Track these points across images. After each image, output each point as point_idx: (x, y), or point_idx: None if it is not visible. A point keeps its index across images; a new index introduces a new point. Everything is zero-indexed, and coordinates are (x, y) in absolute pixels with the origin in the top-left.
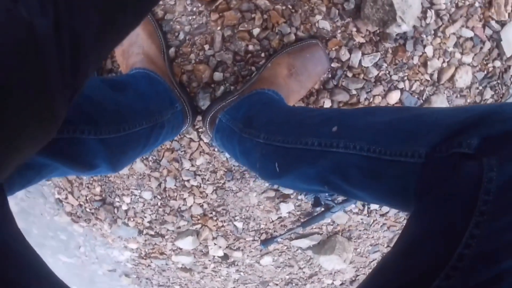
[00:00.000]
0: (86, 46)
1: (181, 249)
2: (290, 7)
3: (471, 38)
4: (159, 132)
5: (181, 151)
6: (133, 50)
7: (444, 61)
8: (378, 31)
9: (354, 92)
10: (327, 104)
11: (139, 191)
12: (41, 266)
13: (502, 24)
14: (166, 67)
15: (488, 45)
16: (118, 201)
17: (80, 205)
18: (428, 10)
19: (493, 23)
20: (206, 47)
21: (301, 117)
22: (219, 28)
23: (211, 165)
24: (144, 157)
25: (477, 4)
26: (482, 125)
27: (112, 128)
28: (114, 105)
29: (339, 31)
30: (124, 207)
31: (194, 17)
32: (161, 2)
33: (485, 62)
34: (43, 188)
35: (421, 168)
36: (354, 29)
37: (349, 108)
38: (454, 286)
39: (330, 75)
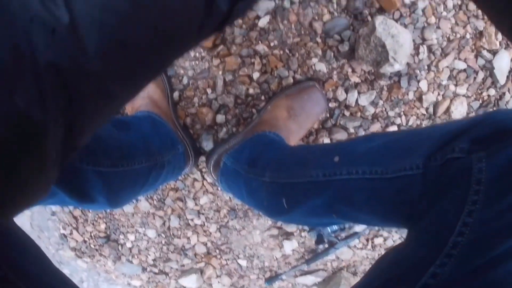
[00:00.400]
0: (84, 125)
1: (185, 287)
2: (288, 52)
3: (464, 70)
4: (159, 172)
5: (185, 191)
6: (139, 94)
7: (439, 94)
8: (372, 71)
9: (352, 130)
10: (326, 142)
11: (144, 229)
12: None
13: (494, 52)
14: (170, 110)
15: (481, 74)
16: (123, 238)
17: (85, 241)
18: (420, 46)
19: (485, 52)
20: (209, 91)
21: (303, 153)
22: (220, 72)
23: (214, 204)
24: (148, 196)
25: (468, 36)
26: (472, 130)
27: (110, 162)
28: (116, 142)
29: (335, 72)
30: (129, 245)
31: (197, 62)
32: None
33: (479, 92)
34: (48, 222)
35: (420, 178)
36: (350, 70)
37: (346, 140)
38: (449, 272)
39: (328, 115)
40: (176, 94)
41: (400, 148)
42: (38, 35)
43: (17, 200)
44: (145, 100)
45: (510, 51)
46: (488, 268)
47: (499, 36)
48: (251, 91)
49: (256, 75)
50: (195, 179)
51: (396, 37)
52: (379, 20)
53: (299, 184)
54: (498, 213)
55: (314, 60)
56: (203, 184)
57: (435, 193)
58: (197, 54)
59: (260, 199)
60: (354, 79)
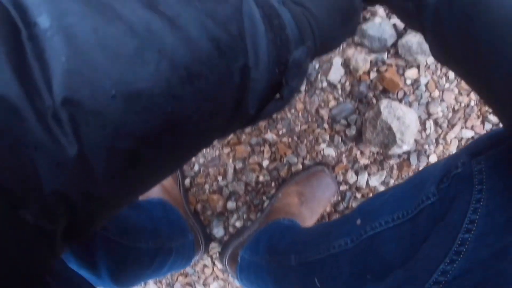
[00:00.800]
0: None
1: None
2: (296, 139)
3: (473, 137)
4: (165, 258)
5: (195, 276)
6: None
7: None
8: (381, 152)
9: None
10: None
11: None
12: None
13: None
14: (181, 197)
15: None
16: None
17: None
18: (427, 121)
19: (490, 116)
20: (219, 178)
21: (323, 227)
22: (231, 160)
23: None
24: (157, 280)
25: (472, 103)
26: (470, 146)
27: (116, 231)
28: (124, 217)
29: (344, 155)
30: None
31: (208, 150)
32: None
33: None
34: None
35: (438, 204)
36: (358, 152)
37: (363, 201)
38: (459, 268)
39: (339, 198)
40: (187, 181)
41: (413, 187)
42: (42, 164)
43: None
44: (157, 187)
45: None
46: (496, 259)
47: None
48: (261, 178)
49: (265, 163)
50: (205, 265)
51: (402, 119)
52: (384, 104)
53: (329, 258)
54: (502, 206)
55: (323, 145)
56: (213, 270)
57: (445, 207)
58: None
59: (290, 285)
60: (363, 161)
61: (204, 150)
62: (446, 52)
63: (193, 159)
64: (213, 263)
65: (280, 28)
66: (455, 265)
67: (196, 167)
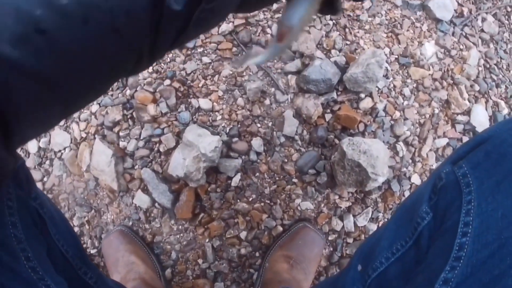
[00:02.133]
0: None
1: None
2: (268, 202)
3: (448, 144)
4: None
5: None
6: (130, 276)
7: None
8: (359, 190)
9: None
10: None
11: None
12: None
13: (467, 112)
14: None
15: (465, 139)
16: None
17: None
18: (396, 144)
19: (459, 117)
20: (200, 261)
21: (329, 281)
22: (207, 240)
23: None
24: None
25: (436, 111)
26: (452, 157)
27: None
28: None
29: (322, 205)
30: None
31: (181, 234)
32: (147, 226)
33: None
34: None
35: (433, 220)
36: (336, 197)
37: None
38: (461, 274)
39: (331, 248)
40: (168, 272)
41: (404, 213)
42: None
43: None
44: (137, 281)
45: (480, 102)
46: (498, 257)
47: (465, 95)
48: (243, 251)
49: (243, 234)
50: None
51: (368, 152)
52: (345, 143)
53: None
54: (494, 202)
55: (297, 200)
56: None
57: (440, 221)
58: (180, 227)
59: None
60: (344, 204)
61: (177, 235)
62: None
63: (168, 247)
64: None
65: None
66: (457, 272)
67: (174, 255)
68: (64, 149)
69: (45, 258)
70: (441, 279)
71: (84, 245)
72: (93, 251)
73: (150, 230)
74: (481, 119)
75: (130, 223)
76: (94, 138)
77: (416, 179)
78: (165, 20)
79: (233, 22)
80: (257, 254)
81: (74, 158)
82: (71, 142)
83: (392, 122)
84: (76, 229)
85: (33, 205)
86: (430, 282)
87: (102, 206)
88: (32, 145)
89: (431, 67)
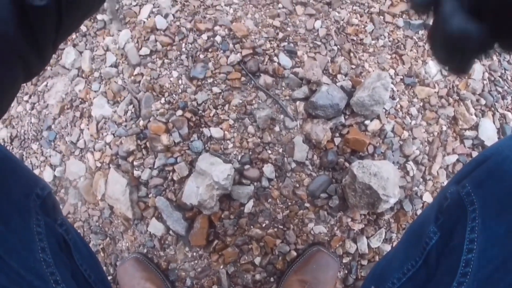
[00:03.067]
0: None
1: None
2: (281, 227)
3: (458, 160)
4: None
5: None
6: None
7: None
8: (371, 212)
9: None
10: None
11: None
12: None
13: (475, 127)
14: None
15: (475, 154)
16: None
17: None
18: (406, 164)
19: (467, 133)
20: (215, 287)
21: None
22: (221, 267)
23: None
24: None
25: (444, 128)
26: (456, 177)
27: None
28: None
29: (335, 228)
30: None
31: (196, 261)
32: (162, 253)
33: None
34: None
35: (440, 240)
36: (349, 220)
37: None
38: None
39: (346, 271)
40: None
41: (413, 234)
42: None
43: None
44: None
45: (487, 116)
46: (503, 271)
47: (472, 110)
48: (257, 277)
49: (258, 260)
50: None
51: (378, 174)
52: (355, 166)
53: None
54: (498, 217)
55: (310, 225)
56: None
57: (447, 239)
58: (194, 253)
59: None
60: (357, 226)
61: (192, 261)
62: None
63: (183, 274)
64: None
65: None
66: (464, 287)
67: (189, 281)
68: (79, 178)
69: (71, 281)
70: None
71: None
72: (108, 278)
73: (165, 258)
74: (489, 133)
75: (145, 250)
76: (109, 167)
77: (428, 198)
78: (34, 17)
79: (241, 52)
80: (271, 279)
81: (89, 187)
82: (86, 171)
83: (401, 142)
84: None
85: (59, 231)
86: None
87: (117, 233)
88: (47, 174)
89: (436, 84)
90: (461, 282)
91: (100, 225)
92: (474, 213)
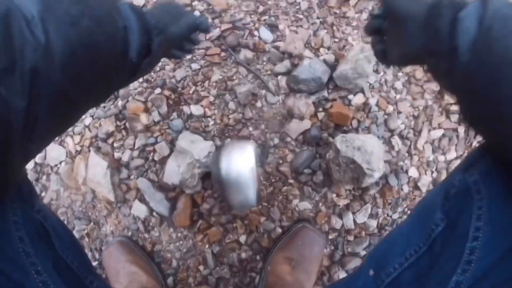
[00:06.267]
0: (43, 124)
1: None
2: (266, 204)
3: (443, 135)
4: None
5: None
6: (133, 287)
7: (432, 172)
8: (356, 187)
9: (363, 252)
10: (343, 276)
11: None
12: None
13: None
14: None
15: (461, 129)
16: None
17: None
18: (391, 138)
19: (453, 107)
20: (201, 268)
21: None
22: (207, 246)
23: None
24: None
25: (430, 102)
26: (464, 162)
27: None
28: None
29: (320, 204)
30: None
31: (181, 242)
32: (146, 235)
33: (469, 144)
34: None
35: (446, 227)
36: (334, 195)
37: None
38: (472, 277)
39: (332, 247)
40: (169, 280)
41: (418, 219)
42: (28, 51)
43: None
44: None
45: None
46: (506, 262)
47: None
48: (243, 255)
49: (243, 238)
50: None
51: (362, 148)
52: (339, 140)
53: None
54: (505, 208)
55: (295, 201)
56: None
57: (453, 227)
58: (179, 234)
59: None
60: (342, 202)
61: (177, 242)
62: (473, 111)
63: (169, 255)
64: None
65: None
66: (468, 275)
67: (174, 263)
68: (60, 163)
69: (53, 271)
70: (453, 281)
71: None
72: (94, 264)
73: (150, 240)
74: None
75: (130, 233)
76: (89, 150)
77: (413, 172)
78: (126, 64)
79: (220, 27)
80: (257, 257)
81: (70, 172)
82: (66, 156)
83: (386, 116)
84: None
85: (37, 218)
86: (442, 285)
87: (101, 218)
88: None
89: None
90: (465, 270)
91: (83, 210)
92: (480, 201)
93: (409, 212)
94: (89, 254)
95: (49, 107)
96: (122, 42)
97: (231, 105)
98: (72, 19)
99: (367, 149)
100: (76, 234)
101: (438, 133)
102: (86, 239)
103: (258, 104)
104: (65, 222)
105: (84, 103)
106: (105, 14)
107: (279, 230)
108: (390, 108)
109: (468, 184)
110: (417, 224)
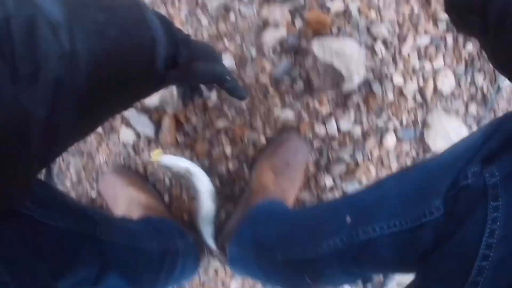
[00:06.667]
0: (63, 133)
1: None
2: (248, 116)
3: (431, 42)
4: (174, 260)
5: (212, 282)
6: (133, 208)
7: (418, 79)
8: (339, 95)
9: (348, 159)
10: (329, 182)
11: None
12: None
13: None
14: (166, 211)
15: (449, 37)
16: None
17: None
18: (374, 45)
19: (441, 15)
20: None
21: (311, 221)
22: (196, 161)
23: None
24: None
25: (416, 9)
26: (482, 149)
27: (121, 237)
28: (123, 224)
29: (303, 112)
30: None
31: None
32: (138, 160)
33: (457, 54)
34: None
35: (443, 218)
36: (316, 103)
37: (354, 192)
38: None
39: (318, 154)
40: (166, 198)
41: (414, 191)
42: (53, 59)
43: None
44: (141, 210)
45: None
46: None
47: None
48: (231, 166)
49: (228, 150)
50: (216, 270)
51: (341, 52)
52: (316, 45)
53: (319, 259)
54: None
55: (277, 111)
56: (225, 270)
57: (453, 225)
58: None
59: (280, 280)
60: (325, 109)
61: None
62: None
63: (161, 174)
64: (223, 265)
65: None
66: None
67: (167, 181)
68: None
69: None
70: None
71: (86, 191)
72: (94, 195)
73: (141, 163)
74: None
75: (122, 160)
76: None
77: (398, 80)
78: (151, 75)
79: None
80: (244, 168)
81: None
82: None
83: (368, 23)
84: (74, 179)
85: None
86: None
87: (93, 150)
88: None
89: None
90: (476, 282)
91: (75, 146)
92: (496, 211)
93: (394, 119)
94: (88, 187)
95: (71, 117)
96: (149, 53)
97: (204, 21)
98: (99, 27)
99: (345, 53)
100: (73, 170)
101: (424, 40)
102: (83, 173)
103: (232, 17)
104: (61, 160)
105: (107, 112)
106: (132, 24)
107: (264, 141)
108: (373, 14)
109: (486, 186)
110: (411, 197)
